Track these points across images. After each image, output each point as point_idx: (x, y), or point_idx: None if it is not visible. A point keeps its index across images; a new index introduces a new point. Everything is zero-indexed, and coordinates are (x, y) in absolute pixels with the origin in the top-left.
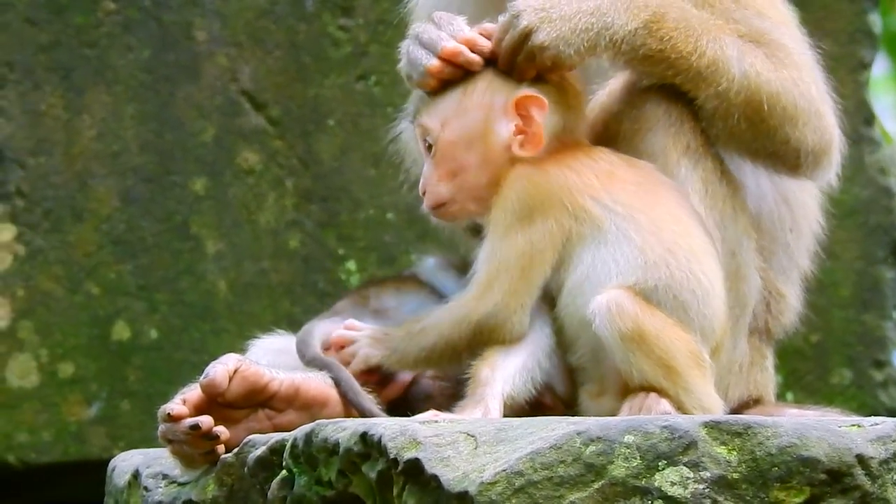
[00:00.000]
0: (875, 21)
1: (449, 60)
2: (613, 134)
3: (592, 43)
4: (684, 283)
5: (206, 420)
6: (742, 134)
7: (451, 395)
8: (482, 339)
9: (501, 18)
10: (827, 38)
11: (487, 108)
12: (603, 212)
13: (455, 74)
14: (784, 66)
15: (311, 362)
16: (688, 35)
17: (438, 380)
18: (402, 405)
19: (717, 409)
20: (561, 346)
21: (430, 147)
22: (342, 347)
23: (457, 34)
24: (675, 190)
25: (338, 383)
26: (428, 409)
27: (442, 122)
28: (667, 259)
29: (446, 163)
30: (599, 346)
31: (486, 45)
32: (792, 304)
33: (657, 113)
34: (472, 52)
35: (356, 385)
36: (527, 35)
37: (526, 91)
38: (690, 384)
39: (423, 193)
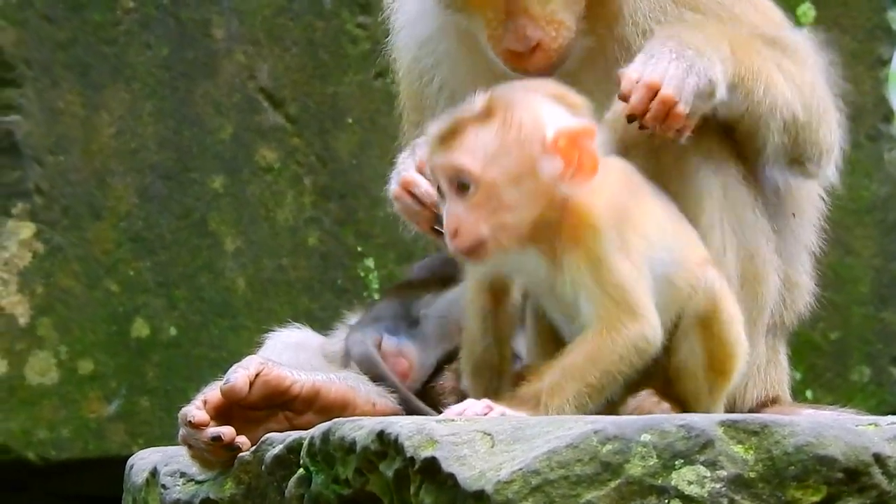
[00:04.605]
0: (893, 17)
1: (408, 191)
2: (635, 138)
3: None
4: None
5: (228, 432)
6: (782, 146)
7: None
8: (641, 361)
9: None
10: (845, 35)
11: (531, 144)
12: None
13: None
14: (804, 70)
15: (378, 378)
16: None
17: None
18: (425, 398)
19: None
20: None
21: (461, 187)
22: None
23: (408, 168)
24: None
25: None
26: (451, 402)
27: (482, 161)
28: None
29: (489, 202)
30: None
31: (422, 187)
32: (805, 289)
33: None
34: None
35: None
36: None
37: (569, 125)
38: (718, 389)
39: (454, 235)
